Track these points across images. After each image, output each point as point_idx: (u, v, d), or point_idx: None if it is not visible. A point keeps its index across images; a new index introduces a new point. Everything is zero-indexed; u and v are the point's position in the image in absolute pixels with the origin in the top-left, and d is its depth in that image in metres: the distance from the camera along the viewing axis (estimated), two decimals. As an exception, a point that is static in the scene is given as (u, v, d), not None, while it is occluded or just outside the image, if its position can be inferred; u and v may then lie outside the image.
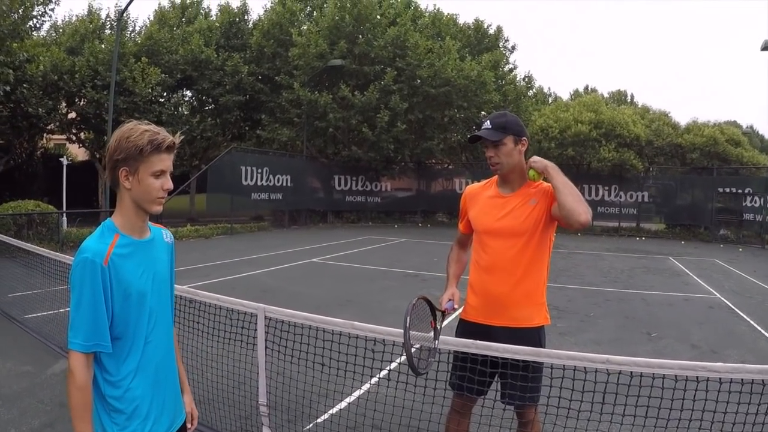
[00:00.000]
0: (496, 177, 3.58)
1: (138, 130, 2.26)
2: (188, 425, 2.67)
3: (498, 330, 3.39)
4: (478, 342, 3.29)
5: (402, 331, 2.98)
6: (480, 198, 3.61)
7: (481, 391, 3.44)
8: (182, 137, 2.44)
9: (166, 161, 2.28)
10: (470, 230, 3.69)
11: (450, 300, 3.51)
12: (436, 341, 3.28)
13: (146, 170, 2.25)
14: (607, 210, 29.09)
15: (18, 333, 8.22)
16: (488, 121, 3.44)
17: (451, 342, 3.41)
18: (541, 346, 3.34)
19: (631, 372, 2.98)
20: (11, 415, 5.38)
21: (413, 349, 2.96)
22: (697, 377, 2.94)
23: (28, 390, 5.99)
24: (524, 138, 3.43)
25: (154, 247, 2.42)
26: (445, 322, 3.53)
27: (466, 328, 3.57)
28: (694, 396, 3.01)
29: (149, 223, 2.47)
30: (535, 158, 3.31)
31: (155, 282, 2.36)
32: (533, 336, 3.36)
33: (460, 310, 3.67)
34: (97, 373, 2.26)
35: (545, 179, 3.28)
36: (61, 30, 31.71)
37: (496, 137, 3.36)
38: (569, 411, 3.19)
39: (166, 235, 2.56)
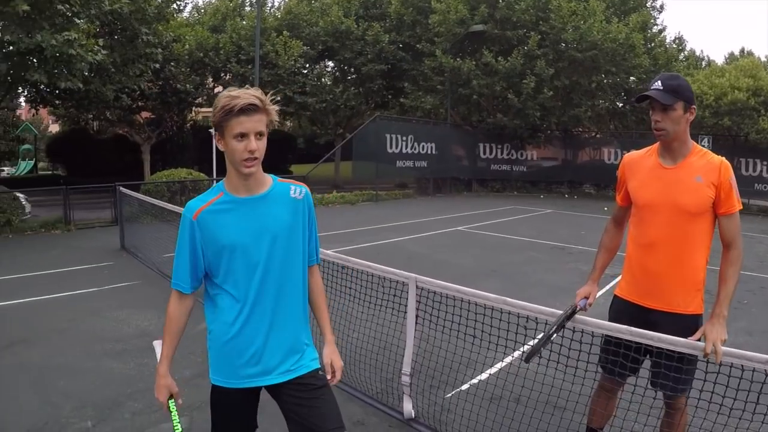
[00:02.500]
0: (656, 145, 3.31)
1: (222, 97, 2.36)
2: (328, 376, 2.70)
3: (653, 313, 3.26)
4: (633, 329, 3.15)
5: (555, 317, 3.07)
6: (641, 168, 3.36)
7: (632, 372, 3.35)
8: (273, 97, 2.49)
9: (245, 123, 2.32)
10: (628, 203, 3.45)
11: (585, 298, 3.46)
12: (555, 334, 3.33)
13: (229, 134, 2.35)
14: (765, 187, 26.02)
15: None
16: (659, 82, 3.12)
17: (605, 326, 3.31)
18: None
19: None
20: None
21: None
22: None
23: (181, 342, 6.46)
24: (693, 106, 3.16)
25: (266, 203, 2.51)
26: (600, 293, 3.49)
27: (619, 307, 3.47)
28: None
29: (277, 179, 2.61)
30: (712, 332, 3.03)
31: (262, 236, 2.47)
32: (690, 324, 3.17)
33: (615, 282, 3.57)
34: (209, 313, 2.62)
35: None
36: (202, 10, 33.23)
37: (668, 101, 3.06)
38: (721, 407, 3.03)
39: (295, 190, 2.59)
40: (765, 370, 2.86)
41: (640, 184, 3.33)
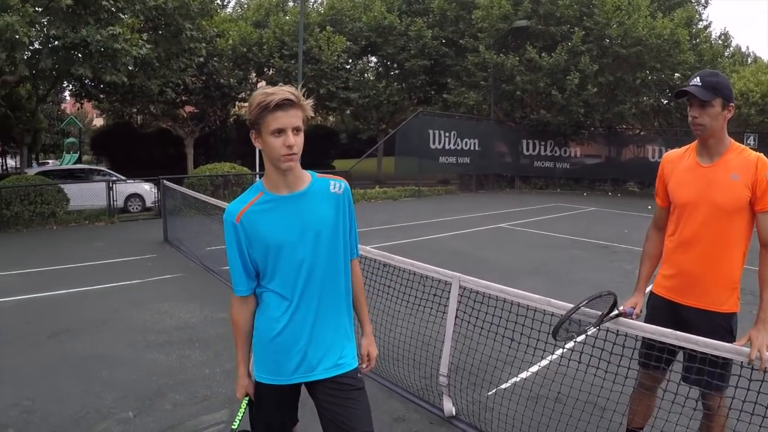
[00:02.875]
0: (694, 144, 3.34)
1: (256, 95, 2.38)
2: (362, 365, 2.76)
3: (687, 310, 3.28)
4: (676, 333, 3.12)
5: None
6: (679, 167, 3.39)
7: (667, 365, 3.35)
8: (304, 90, 2.46)
9: (281, 119, 2.33)
10: (669, 203, 3.47)
11: (632, 307, 3.44)
12: (592, 328, 3.33)
13: (266, 130, 2.36)
14: None
15: (214, 283, 9.01)
16: (698, 78, 3.15)
17: (645, 329, 3.29)
18: (731, 335, 3.18)
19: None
20: (206, 356, 5.95)
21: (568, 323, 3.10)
22: None
23: (222, 335, 6.53)
24: (732, 104, 3.16)
25: (307, 199, 2.50)
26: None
27: (655, 303, 3.48)
28: None
29: (315, 175, 2.61)
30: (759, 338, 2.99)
31: (306, 233, 2.47)
32: (723, 322, 3.19)
33: (650, 287, 3.57)
34: (259, 311, 2.60)
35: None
36: (246, 6, 33.41)
37: (706, 96, 3.07)
38: (764, 419, 2.90)
39: (335, 185, 2.59)
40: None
41: (678, 183, 3.36)
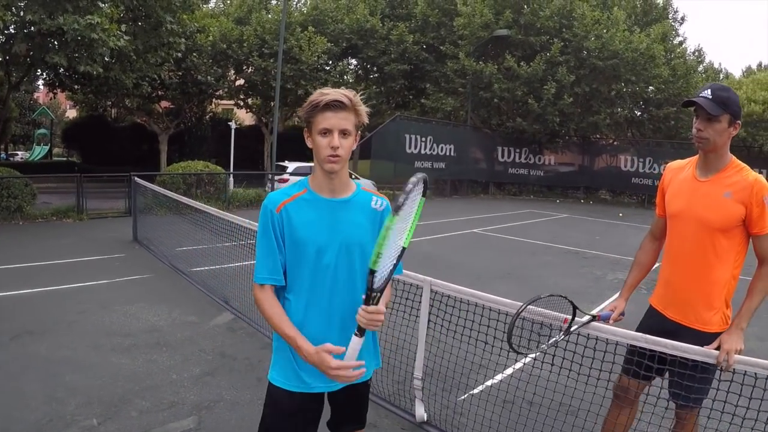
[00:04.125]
0: (696, 157, 3.27)
1: (319, 91, 2.37)
2: None
3: (671, 323, 3.26)
4: (648, 336, 3.17)
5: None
6: (677, 178, 3.35)
7: (647, 377, 3.34)
8: (362, 94, 2.45)
9: (330, 119, 2.32)
10: (666, 214, 3.42)
11: (611, 311, 3.45)
12: (560, 336, 3.31)
13: (315, 129, 2.36)
14: None
15: (184, 285, 8.87)
16: (709, 90, 3.04)
17: (618, 333, 3.34)
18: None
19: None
20: (174, 361, 5.83)
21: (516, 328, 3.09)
22: None
23: (191, 339, 6.45)
24: (739, 122, 3.07)
25: (348, 209, 2.48)
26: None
27: (649, 313, 3.47)
28: None
29: (361, 186, 2.58)
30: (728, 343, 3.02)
31: (334, 240, 2.44)
32: (707, 341, 3.10)
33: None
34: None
35: None
36: (228, 1, 33.15)
37: (715, 111, 2.98)
38: (733, 417, 3.02)
39: (377, 202, 2.57)
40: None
41: (673, 194, 3.34)
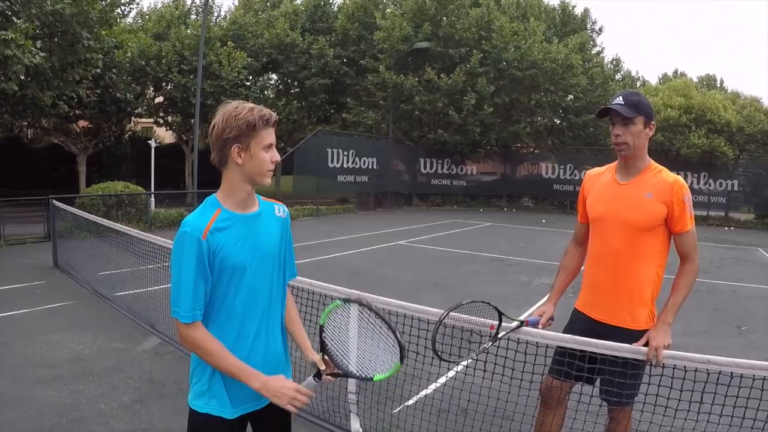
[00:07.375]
0: (615, 163, 3.43)
1: (245, 107, 2.35)
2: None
3: (601, 325, 3.34)
4: (576, 337, 3.25)
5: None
6: (598, 184, 3.49)
7: (579, 377, 3.40)
8: (283, 110, 2.50)
9: (272, 135, 2.40)
10: (588, 220, 3.56)
11: (539, 316, 3.52)
12: (489, 343, 3.32)
13: (257, 145, 2.35)
14: (695, 198, 26.61)
15: (107, 310, 8.61)
16: (620, 97, 3.23)
17: (548, 336, 3.40)
18: (643, 354, 3.20)
19: (731, 373, 2.92)
20: (101, 390, 5.65)
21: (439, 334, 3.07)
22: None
23: (117, 366, 6.27)
24: (653, 123, 3.27)
25: (260, 221, 2.47)
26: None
27: (575, 317, 3.57)
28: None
29: (261, 198, 2.56)
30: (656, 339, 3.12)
31: (256, 256, 2.42)
32: (635, 338, 3.21)
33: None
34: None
35: None
36: (147, 16, 32.59)
37: (629, 114, 3.16)
38: (666, 409, 3.16)
39: (279, 209, 2.61)
40: (706, 370, 3.00)
41: (594, 199, 3.45)
